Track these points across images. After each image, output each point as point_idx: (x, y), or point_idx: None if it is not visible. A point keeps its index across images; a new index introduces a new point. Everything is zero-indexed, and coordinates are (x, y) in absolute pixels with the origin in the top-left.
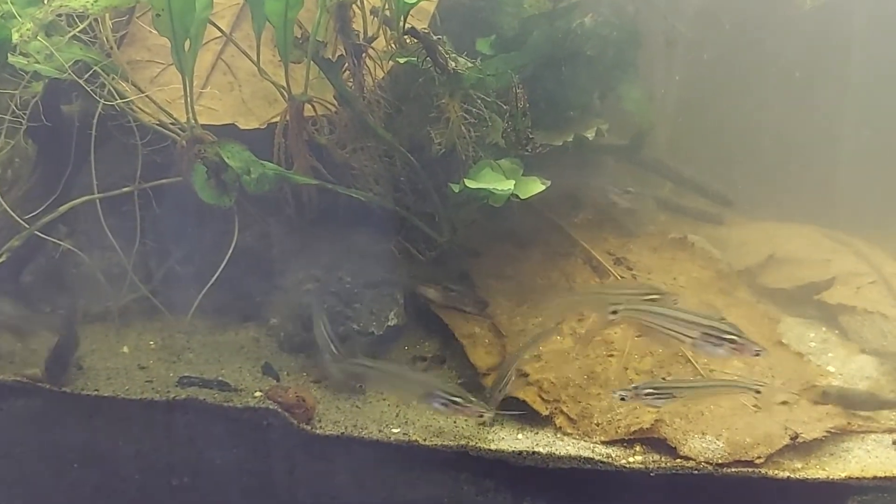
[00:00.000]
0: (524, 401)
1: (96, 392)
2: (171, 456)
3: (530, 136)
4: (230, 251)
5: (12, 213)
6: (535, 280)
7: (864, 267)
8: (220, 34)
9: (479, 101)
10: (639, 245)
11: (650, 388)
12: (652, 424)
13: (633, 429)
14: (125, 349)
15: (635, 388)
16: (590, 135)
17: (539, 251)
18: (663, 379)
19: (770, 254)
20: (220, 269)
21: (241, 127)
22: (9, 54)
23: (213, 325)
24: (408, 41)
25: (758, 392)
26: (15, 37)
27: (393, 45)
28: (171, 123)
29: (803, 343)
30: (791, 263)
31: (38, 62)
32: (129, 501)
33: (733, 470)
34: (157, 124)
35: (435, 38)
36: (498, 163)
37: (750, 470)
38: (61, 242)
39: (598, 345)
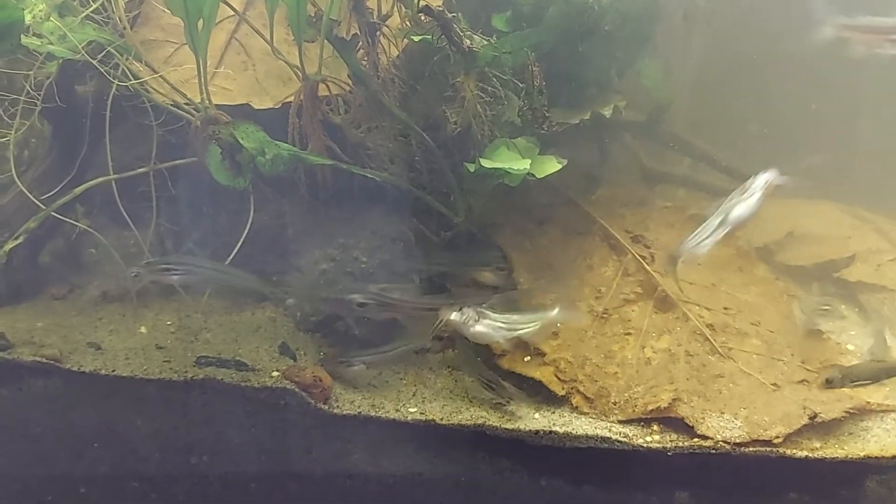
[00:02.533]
0: (540, 381)
1: (114, 372)
2: (190, 435)
3: (546, 114)
4: (246, 231)
5: (28, 194)
6: (554, 256)
7: (884, 244)
8: (233, 13)
9: (495, 79)
10: (656, 222)
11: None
12: (669, 403)
13: (650, 408)
14: (143, 329)
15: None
16: (607, 112)
17: (557, 228)
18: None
19: (789, 231)
20: (235, 250)
21: (256, 107)
22: (21, 36)
23: (230, 305)
24: (423, 19)
25: None
26: (28, 18)
27: (407, 23)
28: (186, 104)
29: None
30: (810, 240)
31: (51, 43)
32: (147, 479)
33: (751, 449)
34: (171, 105)
35: (450, 15)
36: (514, 141)
37: (768, 449)
38: (78, 223)
39: (615, 323)
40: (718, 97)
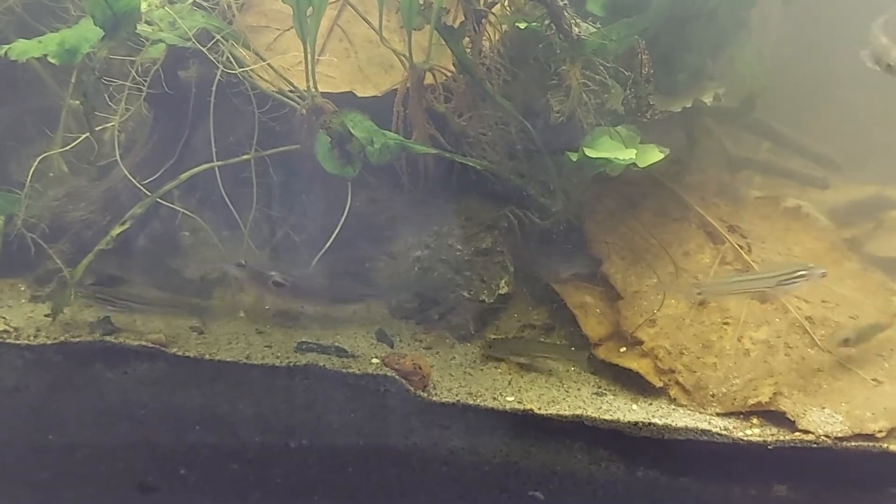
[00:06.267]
0: (638, 372)
1: (218, 357)
2: (291, 419)
3: (651, 103)
4: (343, 218)
5: (133, 180)
6: (649, 240)
7: None
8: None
9: (601, 67)
10: (750, 213)
11: None
12: (770, 398)
13: (750, 402)
14: (242, 313)
15: None
16: (707, 99)
17: (650, 212)
18: None
19: (877, 221)
20: (333, 236)
21: (359, 95)
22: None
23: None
24: (525, 5)
25: None
26: (144, 6)
27: (508, 9)
28: (291, 91)
29: None
30: None
31: (161, 30)
32: (247, 462)
33: (853, 444)
34: (276, 92)
35: (561, 3)
36: (616, 130)
37: (870, 444)
38: (178, 208)
39: (713, 311)
40: (815, 85)
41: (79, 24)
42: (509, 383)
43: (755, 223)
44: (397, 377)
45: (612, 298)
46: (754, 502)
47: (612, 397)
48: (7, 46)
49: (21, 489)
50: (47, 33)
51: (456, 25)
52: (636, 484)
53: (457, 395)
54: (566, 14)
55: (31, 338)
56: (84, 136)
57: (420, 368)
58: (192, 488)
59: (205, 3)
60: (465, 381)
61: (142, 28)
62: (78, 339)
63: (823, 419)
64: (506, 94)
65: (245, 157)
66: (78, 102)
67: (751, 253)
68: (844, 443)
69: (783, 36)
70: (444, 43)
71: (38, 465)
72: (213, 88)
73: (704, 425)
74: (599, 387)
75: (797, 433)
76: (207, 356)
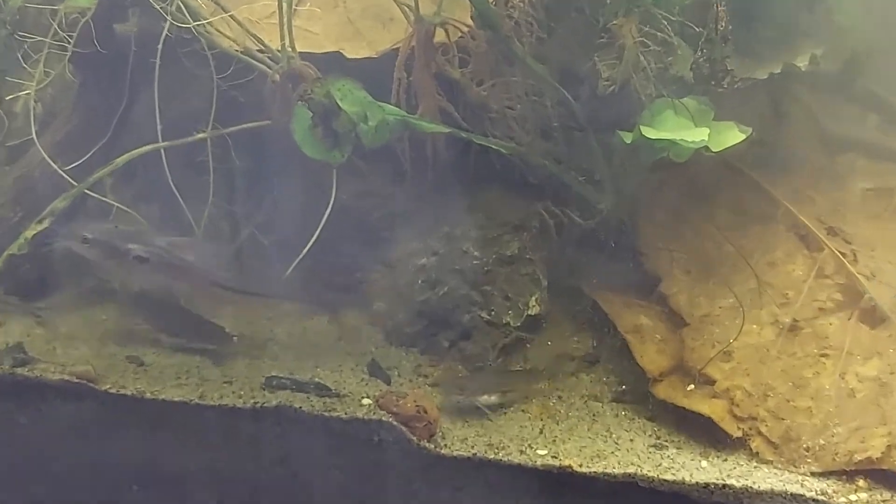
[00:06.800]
0: (710, 418)
1: (162, 396)
2: (257, 478)
3: (728, 68)
4: (326, 215)
5: (53, 164)
6: (724, 247)
7: None
8: None
9: (663, 22)
10: (855, 211)
11: None
12: (883, 452)
13: (856, 458)
14: None
15: None
16: (802, 63)
17: (725, 210)
18: None
19: None
20: (312, 240)
21: (349, 56)
22: None
23: (303, 310)
24: None
25: None
26: None
27: None
28: (259, 51)
29: None
30: None
31: None
32: None
33: None
34: (240, 52)
35: None
36: (682, 102)
37: None
38: (116, 203)
39: (807, 339)
40: None
41: None
42: (541, 432)
43: (861, 224)
44: (395, 423)
45: (675, 321)
46: None
47: (674, 451)
48: None
49: None
50: None
51: None
52: None
53: (473, 447)
54: None
55: None
56: None
57: (425, 412)
58: None
59: None
60: (485, 429)
61: None
62: None
63: None
64: (539, 56)
65: (200, 135)
66: None
67: (857, 263)
68: None
69: None
70: None
71: None
72: (160, 47)
73: (796, 488)
74: (658, 437)
75: None
76: (149, 394)
